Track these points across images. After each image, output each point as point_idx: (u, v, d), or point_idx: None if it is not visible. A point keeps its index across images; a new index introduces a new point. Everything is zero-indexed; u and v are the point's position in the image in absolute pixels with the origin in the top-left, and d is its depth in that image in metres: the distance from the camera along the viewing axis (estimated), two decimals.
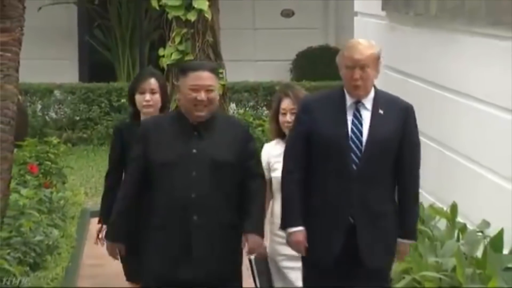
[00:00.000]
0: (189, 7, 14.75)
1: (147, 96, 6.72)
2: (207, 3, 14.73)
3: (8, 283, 7.09)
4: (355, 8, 12.29)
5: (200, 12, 14.76)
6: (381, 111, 5.79)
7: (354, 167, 5.73)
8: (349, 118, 5.79)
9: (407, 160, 5.85)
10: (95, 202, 10.41)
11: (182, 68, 6.12)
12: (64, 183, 11.41)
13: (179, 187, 5.74)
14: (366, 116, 5.80)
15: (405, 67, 9.64)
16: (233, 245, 5.87)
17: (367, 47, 5.80)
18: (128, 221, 5.93)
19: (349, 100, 5.83)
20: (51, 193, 10.27)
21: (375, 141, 5.74)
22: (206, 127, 5.83)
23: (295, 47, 18.01)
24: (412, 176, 5.92)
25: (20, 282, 7.42)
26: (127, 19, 18.07)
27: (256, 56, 17.71)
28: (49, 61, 17.00)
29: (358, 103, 5.81)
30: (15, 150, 8.49)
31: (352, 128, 5.76)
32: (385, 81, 7.47)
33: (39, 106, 16.72)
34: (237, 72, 15.98)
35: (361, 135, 5.75)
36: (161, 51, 15.54)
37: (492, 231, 6.90)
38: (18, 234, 8.33)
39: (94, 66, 18.57)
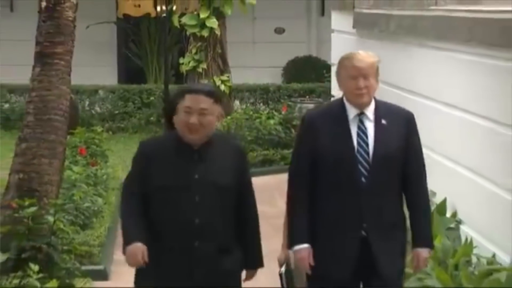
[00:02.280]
0: (203, 25, 14.83)
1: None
2: (216, 22, 14.78)
3: (64, 240, 7.12)
4: (332, 26, 12.32)
5: (211, 29, 14.82)
6: (384, 121, 4.66)
7: (363, 179, 4.58)
8: (354, 130, 4.64)
9: (414, 167, 4.70)
10: None
11: (181, 90, 4.82)
12: (106, 162, 11.41)
13: (182, 212, 4.51)
14: (370, 127, 4.65)
15: None
16: (231, 270, 4.65)
17: (367, 56, 4.71)
18: (142, 223, 4.56)
19: (351, 112, 4.66)
20: (96, 170, 10.30)
21: (381, 152, 4.60)
22: (206, 150, 4.59)
23: (285, 57, 18.02)
24: (421, 183, 4.75)
25: (72, 238, 7.46)
26: (155, 35, 18.06)
27: (255, 63, 17.70)
28: (95, 67, 17.00)
29: (361, 115, 4.65)
30: (68, 136, 8.51)
31: (358, 141, 4.62)
32: None
33: (87, 103, 16.75)
34: (240, 76, 16.03)
35: (368, 147, 4.62)
36: (181, 60, 15.65)
37: (438, 200, 6.94)
38: (71, 201, 8.37)
39: (129, 71, 18.55)
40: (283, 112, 14.64)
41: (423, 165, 4.71)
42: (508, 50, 5.91)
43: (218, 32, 14.92)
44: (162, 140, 4.90)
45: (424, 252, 4.68)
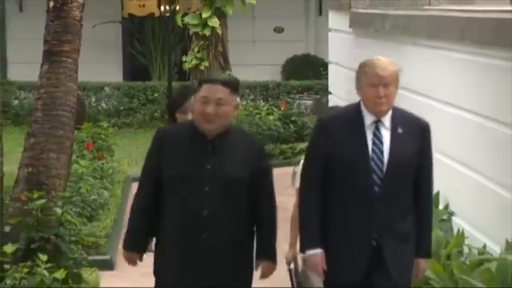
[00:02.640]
0: (205, 25, 14.84)
1: (189, 116, 4.97)
2: (218, 22, 14.77)
3: (72, 231, 7.12)
4: (329, 26, 12.29)
5: (213, 28, 14.82)
6: (400, 130, 4.39)
7: (376, 188, 4.32)
8: (369, 137, 4.37)
9: (426, 179, 4.49)
10: (134, 171, 10.40)
11: (199, 80, 4.66)
12: (112, 156, 11.43)
13: (191, 203, 4.34)
14: (386, 135, 4.38)
15: None
16: (242, 263, 4.45)
17: (389, 64, 4.40)
18: (144, 231, 4.52)
19: (368, 119, 4.38)
20: (102, 164, 10.31)
21: (396, 161, 4.34)
22: (221, 141, 4.39)
23: (284, 55, 18.00)
24: (428, 193, 4.55)
25: (79, 230, 7.47)
26: (158, 34, 18.04)
27: (255, 61, 17.68)
28: (101, 65, 16.99)
29: (377, 122, 4.39)
30: (76, 131, 8.51)
31: (373, 149, 4.35)
32: (352, 80, 7.49)
33: (93, 99, 16.77)
34: (241, 73, 15.94)
35: (382, 155, 4.34)
36: (184, 58, 15.67)
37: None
38: (78, 194, 8.39)
39: (134, 69, 18.54)
40: (282, 108, 14.66)
41: (431, 177, 4.53)
42: (501, 48, 5.90)
43: (219, 31, 14.93)
44: (178, 129, 4.74)
45: (423, 263, 4.55)
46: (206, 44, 15.09)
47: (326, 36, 12.84)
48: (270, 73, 17.71)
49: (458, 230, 6.14)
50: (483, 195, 6.18)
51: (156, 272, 4.54)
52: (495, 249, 5.50)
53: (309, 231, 4.41)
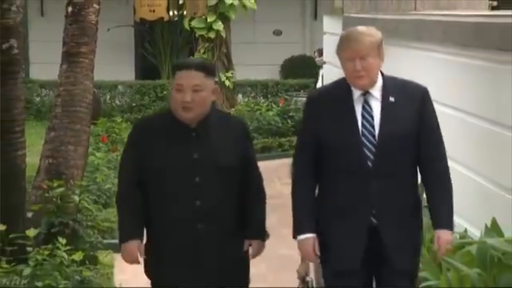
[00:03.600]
0: (210, 28, 14.81)
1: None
2: (222, 25, 14.76)
3: (88, 217, 7.13)
4: (324, 29, 12.29)
5: (217, 31, 14.80)
6: (392, 99, 3.79)
7: (370, 164, 3.74)
8: (358, 111, 3.79)
9: (429, 146, 3.85)
10: None
11: (172, 66, 4.09)
12: None
13: (182, 194, 3.77)
14: (377, 106, 3.80)
15: None
16: (239, 253, 3.96)
17: (366, 34, 3.81)
18: (138, 214, 3.88)
19: (356, 92, 3.81)
20: (116, 155, 10.30)
21: (389, 132, 3.75)
22: (204, 128, 3.82)
23: (282, 56, 17.99)
24: (437, 162, 3.90)
25: (96, 215, 7.47)
26: (167, 37, 18.02)
27: (256, 61, 17.66)
28: (115, 65, 16.97)
29: (366, 94, 3.81)
30: (92, 126, 8.52)
31: (363, 122, 3.77)
32: None
33: (108, 96, 16.80)
34: (243, 72, 16.02)
35: (373, 128, 3.76)
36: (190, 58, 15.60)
37: None
38: (94, 183, 8.39)
39: (145, 69, 18.52)
40: (280, 105, 14.68)
41: (440, 143, 3.92)
42: (480, 50, 5.90)
43: (223, 34, 14.90)
44: (157, 119, 4.08)
45: (444, 234, 3.85)
46: (211, 46, 15.05)
47: (321, 39, 12.84)
48: (269, 73, 17.71)
49: None
50: (464, 185, 6.18)
51: (150, 272, 3.97)
52: (475, 233, 5.49)
53: (300, 215, 3.85)
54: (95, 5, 7.48)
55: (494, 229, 4.69)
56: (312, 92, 4.20)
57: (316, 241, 3.84)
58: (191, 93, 3.75)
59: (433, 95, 6.98)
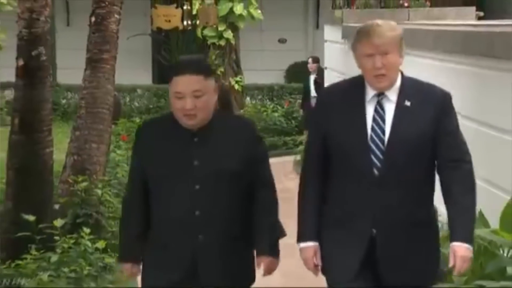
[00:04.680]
0: (220, 36, 14.82)
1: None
2: (232, 34, 14.77)
3: (110, 208, 7.13)
4: (325, 37, 12.28)
5: (227, 39, 14.81)
6: (407, 103, 3.14)
7: (376, 171, 3.11)
8: (370, 113, 3.14)
9: (447, 154, 3.14)
10: None
11: (168, 71, 3.37)
12: None
13: (181, 203, 3.21)
14: (390, 110, 3.15)
15: (358, 73, 9.63)
16: (244, 259, 3.33)
17: (387, 29, 3.13)
18: (136, 234, 3.36)
19: (370, 93, 3.17)
20: None
21: (399, 139, 3.10)
22: (207, 132, 3.23)
23: (287, 61, 18.00)
24: (456, 171, 3.16)
25: (117, 208, 7.47)
26: (182, 44, 18.03)
27: (263, 67, 17.65)
28: (134, 70, 17.00)
29: (380, 95, 3.16)
30: (113, 126, 8.52)
31: (373, 126, 3.13)
32: None
33: (128, 99, 16.82)
34: (251, 77, 16.00)
35: (383, 133, 3.12)
36: None
37: None
38: (115, 178, 8.36)
39: (161, 73, 18.54)
40: (285, 106, 14.72)
41: (463, 151, 3.21)
42: (467, 56, 5.89)
43: (233, 42, 14.91)
44: (159, 123, 3.47)
45: (461, 249, 3.07)
46: (221, 53, 15.05)
47: (322, 46, 12.83)
48: (275, 77, 17.72)
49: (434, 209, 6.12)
50: None
51: (146, 282, 3.39)
52: None
53: (304, 222, 3.28)
54: (116, 16, 7.48)
55: (481, 220, 4.66)
56: (323, 92, 3.43)
57: (318, 249, 3.26)
58: (192, 99, 3.16)
59: None
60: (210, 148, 3.23)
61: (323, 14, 16.23)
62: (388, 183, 3.12)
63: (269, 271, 3.33)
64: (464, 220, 3.15)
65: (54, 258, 5.45)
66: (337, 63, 11.14)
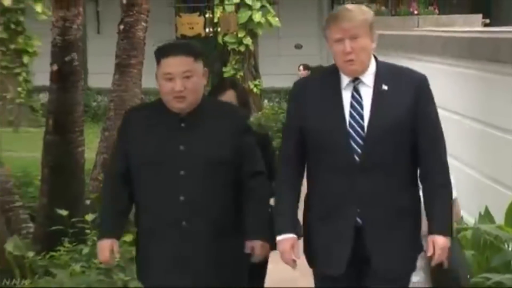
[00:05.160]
0: (240, 43, 14.87)
1: None
2: (251, 40, 14.81)
3: None
4: None
5: (247, 46, 14.86)
6: (385, 87, 2.88)
7: (357, 158, 2.85)
8: (347, 100, 2.88)
9: (425, 139, 2.92)
10: None
11: (155, 53, 3.18)
12: None
13: (165, 189, 2.97)
14: (367, 95, 2.89)
15: None
16: (233, 251, 3.06)
17: (356, 13, 2.88)
18: (119, 211, 3.13)
19: (345, 79, 2.91)
20: None
21: (379, 123, 2.85)
22: (195, 117, 2.99)
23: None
24: (433, 157, 2.94)
25: None
26: (204, 50, 18.07)
27: (280, 71, 17.62)
28: None
29: (356, 81, 2.90)
30: None
31: (351, 112, 2.87)
32: None
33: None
34: (269, 81, 15.99)
35: (362, 118, 2.86)
36: (224, 69, 15.62)
37: None
38: None
39: None
40: None
41: (438, 137, 2.98)
42: (473, 61, 5.86)
43: (252, 47, 14.94)
44: (147, 109, 3.25)
45: (440, 240, 2.86)
46: (241, 58, 15.08)
47: None
48: (291, 81, 17.11)
49: None
50: (461, 178, 6.15)
51: (139, 275, 3.22)
52: (471, 220, 5.45)
53: (280, 216, 2.98)
54: (143, 24, 7.51)
55: (486, 216, 4.65)
56: (299, 81, 3.14)
57: (295, 242, 2.97)
58: (182, 80, 2.94)
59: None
60: (198, 134, 2.98)
61: None
62: (370, 169, 2.86)
63: (258, 255, 3.07)
64: (443, 212, 2.93)
65: (86, 250, 5.48)
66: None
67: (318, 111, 2.91)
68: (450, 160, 6.55)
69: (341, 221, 2.92)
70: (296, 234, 2.99)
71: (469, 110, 6.01)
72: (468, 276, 3.44)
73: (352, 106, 2.90)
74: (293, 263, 2.97)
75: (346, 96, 2.91)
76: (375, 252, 2.92)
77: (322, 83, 2.97)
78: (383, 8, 12.89)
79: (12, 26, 15.34)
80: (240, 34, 14.91)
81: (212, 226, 2.99)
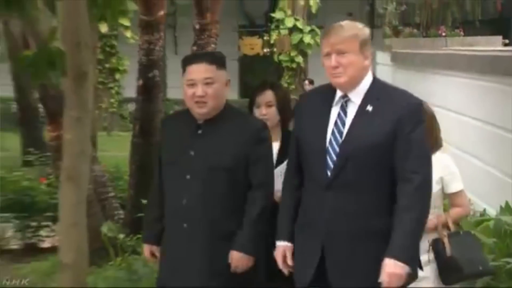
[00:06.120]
0: (292, 61, 14.88)
1: (263, 110, 3.15)
2: (302, 59, 14.78)
3: None
4: (377, 60, 12.13)
5: (298, 63, 14.86)
6: (369, 108, 2.45)
7: (329, 173, 2.46)
8: (333, 116, 2.51)
9: (402, 163, 2.41)
10: None
11: (182, 62, 2.89)
12: None
13: (174, 192, 2.74)
14: (353, 113, 2.49)
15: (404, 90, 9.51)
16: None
17: (346, 28, 2.47)
18: (157, 223, 2.86)
19: (337, 95, 2.54)
20: None
21: (354, 143, 2.44)
22: (212, 125, 2.74)
23: None
24: (410, 183, 2.39)
25: None
26: (262, 67, 18.13)
27: (320, 84, 17.56)
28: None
29: (345, 98, 2.51)
30: None
31: (333, 130, 2.49)
32: None
33: None
34: None
35: (341, 137, 2.47)
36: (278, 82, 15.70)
37: None
38: None
39: (246, 90, 18.65)
40: None
41: (419, 163, 2.41)
42: (494, 76, 5.75)
43: (302, 65, 14.94)
44: (177, 116, 2.99)
45: (390, 265, 2.35)
46: (293, 74, 15.12)
47: (374, 68, 12.66)
48: None
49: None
50: (483, 176, 6.02)
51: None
52: (493, 212, 5.33)
53: (279, 224, 2.63)
54: (212, 45, 7.54)
55: (507, 209, 4.53)
56: (304, 93, 2.94)
57: (289, 249, 2.58)
58: (203, 86, 2.69)
59: (460, 109, 6.83)
60: (209, 142, 2.71)
61: (374, 43, 16.02)
62: (341, 187, 2.44)
63: (235, 267, 2.71)
64: (401, 236, 2.37)
65: None
66: (387, 81, 11.04)
67: (308, 125, 2.55)
68: (473, 160, 6.43)
69: (310, 237, 2.51)
70: (291, 241, 2.59)
71: (490, 117, 5.88)
72: (481, 268, 2.97)
73: (335, 123, 2.51)
74: (286, 269, 2.59)
75: (334, 113, 2.52)
76: (334, 271, 2.46)
77: (321, 97, 2.59)
78: (415, 30, 12.71)
79: (107, 48, 15.84)
80: (293, 53, 14.92)
81: (211, 229, 2.68)
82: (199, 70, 2.70)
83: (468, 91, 6.60)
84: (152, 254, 2.88)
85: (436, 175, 2.68)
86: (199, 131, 2.73)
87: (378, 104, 2.46)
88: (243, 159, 2.68)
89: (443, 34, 11.83)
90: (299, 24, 14.89)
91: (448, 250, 2.80)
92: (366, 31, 2.49)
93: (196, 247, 2.69)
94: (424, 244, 2.78)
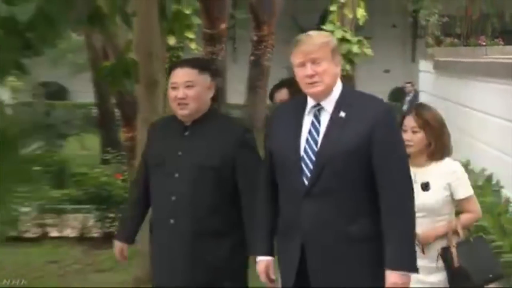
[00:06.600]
0: (341, 69, 14.75)
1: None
2: (349, 67, 14.66)
3: None
4: (420, 68, 11.96)
5: (346, 71, 14.36)
6: (342, 114, 2.28)
7: (306, 181, 2.26)
8: (306, 125, 2.31)
9: (381, 168, 2.23)
10: None
11: (168, 68, 2.85)
12: None
13: (162, 190, 2.62)
14: (325, 121, 2.31)
15: (446, 95, 9.28)
16: (221, 253, 2.58)
17: (317, 37, 2.33)
18: (131, 222, 2.76)
19: (309, 104, 2.34)
20: None
21: (329, 150, 2.25)
22: (198, 127, 2.64)
23: (390, 86, 17.59)
24: (391, 190, 2.22)
25: None
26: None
27: (372, 90, 16.63)
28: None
29: (317, 106, 2.32)
30: None
31: (307, 138, 2.29)
32: (434, 103, 7.20)
33: None
34: None
35: (316, 144, 2.28)
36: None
37: (487, 173, 6.56)
38: None
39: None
40: None
41: (396, 166, 2.24)
42: None
43: (350, 72, 14.77)
44: (165, 119, 2.86)
45: (391, 275, 2.19)
46: (342, 80, 15.05)
47: (416, 75, 12.47)
48: (381, 98, 17.34)
49: (506, 198, 5.82)
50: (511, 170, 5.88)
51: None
52: None
53: (257, 235, 2.43)
54: (268, 55, 7.72)
55: None
56: (276, 105, 2.72)
57: (270, 263, 2.39)
58: (184, 89, 2.60)
59: (499, 113, 6.64)
60: (196, 143, 2.61)
61: (418, 52, 15.78)
62: (318, 195, 2.24)
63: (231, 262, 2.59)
64: (396, 245, 2.19)
65: None
66: (429, 87, 10.87)
67: (280, 135, 2.35)
68: (504, 157, 6.22)
69: (290, 245, 2.31)
70: (271, 254, 2.41)
71: None
72: (491, 276, 2.73)
73: (309, 131, 2.30)
74: (269, 283, 2.40)
75: (307, 122, 2.32)
76: (315, 279, 2.25)
77: (292, 107, 2.38)
78: (456, 40, 12.42)
79: (174, 59, 16.04)
80: (341, 62, 14.86)
81: (197, 226, 2.56)
82: (181, 74, 2.62)
83: (507, 96, 6.41)
84: (121, 253, 2.76)
85: (443, 181, 2.67)
86: (186, 133, 2.64)
87: (351, 110, 2.29)
88: (229, 160, 2.58)
89: (483, 43, 11.51)
90: (348, 36, 14.78)
91: (456, 261, 2.63)
92: (334, 39, 2.40)
93: (180, 244, 2.57)
94: (434, 251, 2.67)
